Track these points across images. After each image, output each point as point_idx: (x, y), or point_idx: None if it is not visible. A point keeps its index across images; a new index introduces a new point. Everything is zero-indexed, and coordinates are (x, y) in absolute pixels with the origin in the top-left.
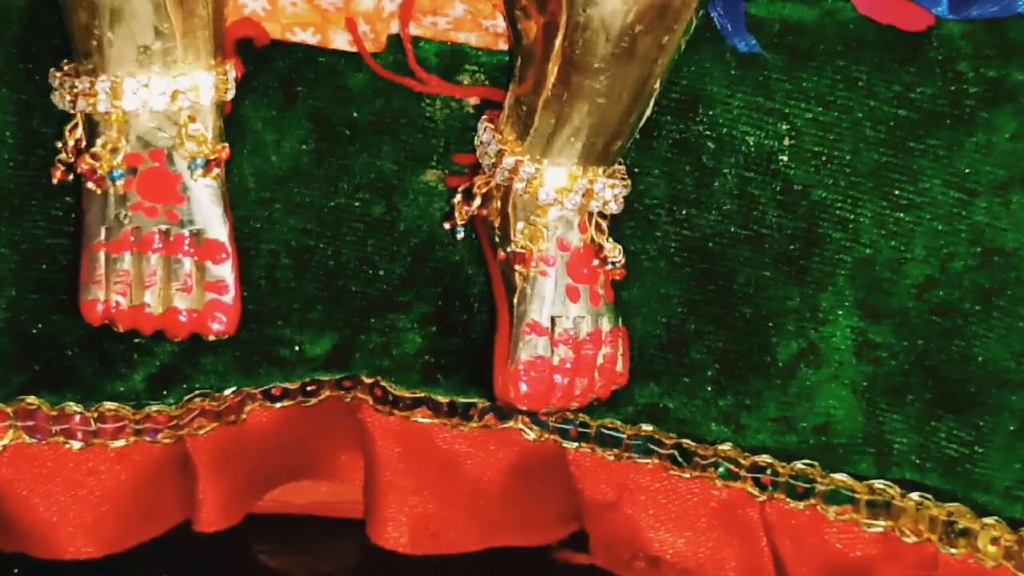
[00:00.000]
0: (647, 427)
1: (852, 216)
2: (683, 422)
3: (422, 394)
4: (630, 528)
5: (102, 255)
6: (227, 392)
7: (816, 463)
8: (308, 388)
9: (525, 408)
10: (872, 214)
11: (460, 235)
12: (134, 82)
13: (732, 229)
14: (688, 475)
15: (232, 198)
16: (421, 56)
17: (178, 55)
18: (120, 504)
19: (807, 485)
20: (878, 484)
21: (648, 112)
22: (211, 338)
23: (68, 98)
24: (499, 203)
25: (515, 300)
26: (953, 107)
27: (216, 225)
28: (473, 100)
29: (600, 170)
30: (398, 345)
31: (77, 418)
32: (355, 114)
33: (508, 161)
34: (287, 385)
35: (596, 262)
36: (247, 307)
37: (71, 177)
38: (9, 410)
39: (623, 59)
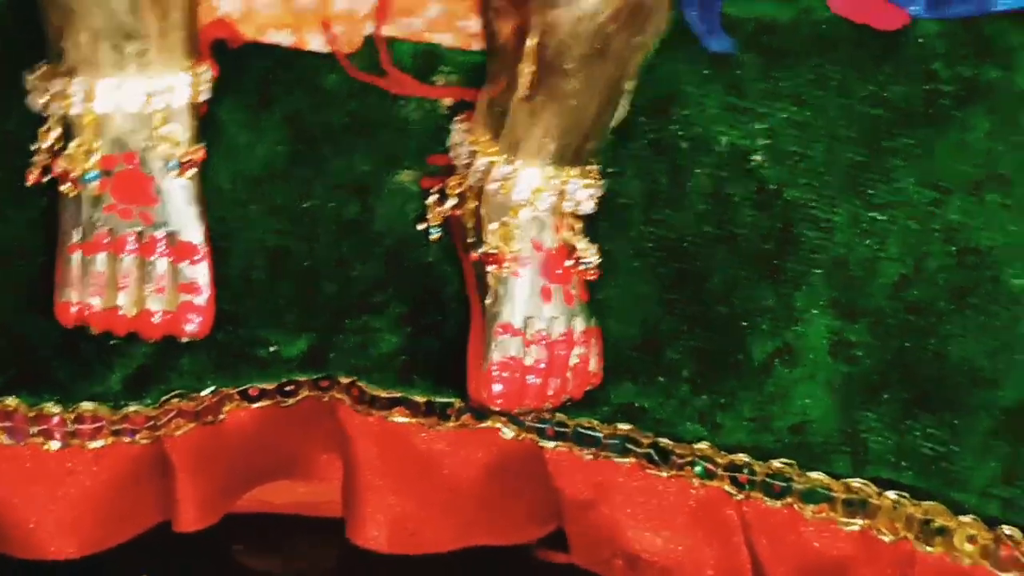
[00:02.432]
0: (624, 426)
1: (827, 215)
2: (659, 421)
3: (399, 394)
4: (608, 527)
5: (76, 257)
6: (204, 392)
7: (792, 462)
8: (286, 388)
9: (498, 409)
10: (847, 213)
11: (434, 236)
12: (108, 84)
13: (707, 229)
14: (665, 474)
15: (207, 200)
16: (396, 57)
17: (152, 57)
18: (99, 504)
19: (784, 484)
20: (855, 483)
21: (621, 112)
22: (184, 339)
23: (42, 100)
24: (473, 204)
25: (488, 301)
26: (928, 106)
27: (190, 226)
28: (448, 101)
29: (574, 170)
30: (374, 345)
31: (55, 419)
32: (330, 115)
33: (482, 162)
34: (264, 385)
35: (570, 262)
36: (223, 308)
37: (46, 179)
38: None
39: (596, 60)
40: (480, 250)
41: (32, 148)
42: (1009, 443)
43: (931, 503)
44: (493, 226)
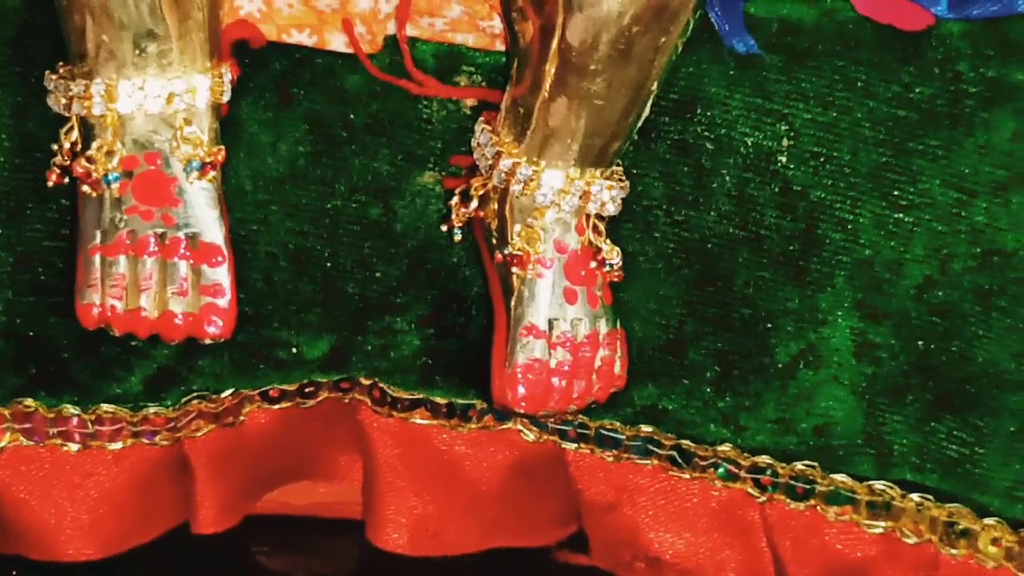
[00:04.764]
0: (646, 428)
1: (851, 217)
2: (682, 423)
3: (420, 395)
4: (629, 529)
5: (97, 258)
6: (225, 394)
7: (816, 464)
8: (306, 390)
9: (523, 411)
10: (871, 215)
11: (457, 237)
12: (129, 85)
13: (731, 230)
14: (687, 476)
15: (228, 201)
16: (418, 57)
17: (174, 57)
18: (118, 506)
19: (807, 486)
20: (878, 485)
21: (646, 113)
22: (207, 342)
23: (63, 101)
24: (496, 205)
25: (512, 302)
26: (952, 107)
27: (212, 228)
28: (470, 101)
29: (598, 172)
30: (396, 347)
31: (74, 420)
32: (352, 116)
33: (505, 163)
34: (285, 387)
35: (594, 264)
36: (244, 309)
37: (66, 180)
38: (6, 412)
39: (620, 61)
40: (504, 251)
41: (52, 149)
42: None
43: (955, 505)
44: (517, 228)
